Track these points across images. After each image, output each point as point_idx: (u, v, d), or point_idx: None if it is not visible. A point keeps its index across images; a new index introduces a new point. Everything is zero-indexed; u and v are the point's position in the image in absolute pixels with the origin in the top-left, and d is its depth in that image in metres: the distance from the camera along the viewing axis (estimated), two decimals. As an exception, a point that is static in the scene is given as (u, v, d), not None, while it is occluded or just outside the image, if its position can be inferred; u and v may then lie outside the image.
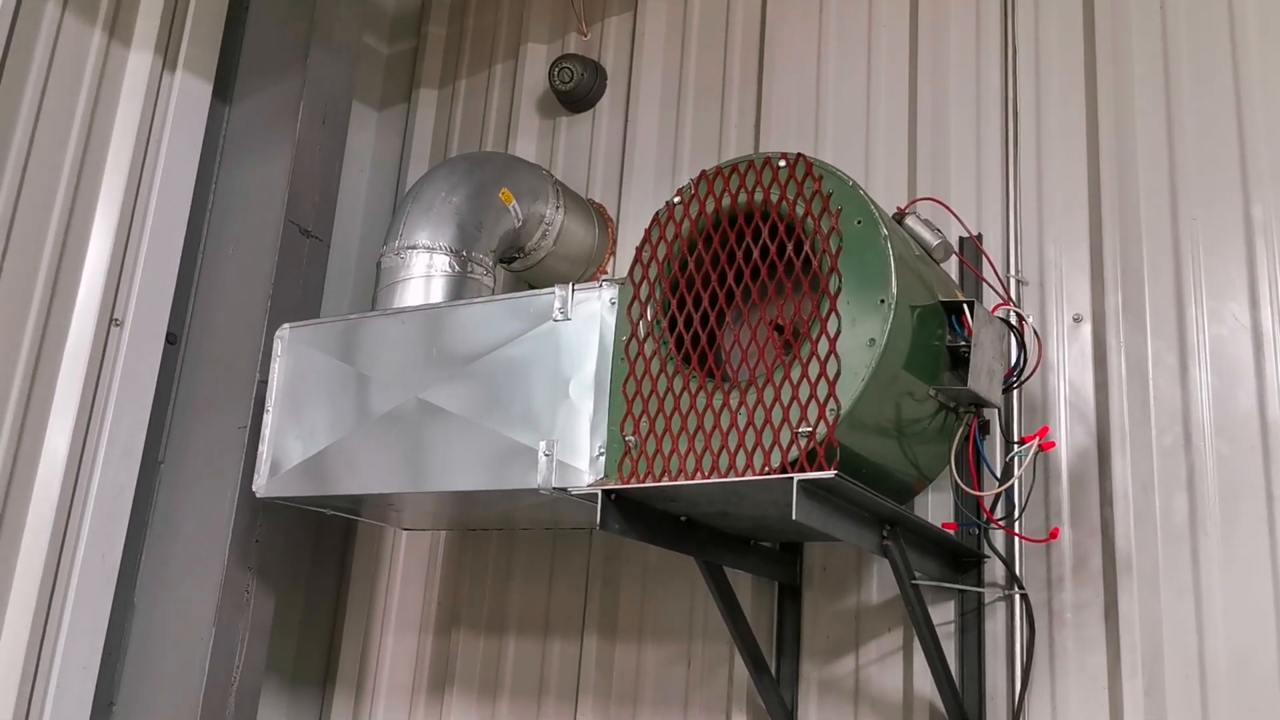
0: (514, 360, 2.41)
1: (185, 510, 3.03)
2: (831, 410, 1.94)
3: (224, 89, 3.37)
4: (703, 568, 2.40)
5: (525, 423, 2.34)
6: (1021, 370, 2.42)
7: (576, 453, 2.26)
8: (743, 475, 2.00)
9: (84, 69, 2.98)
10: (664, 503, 2.21)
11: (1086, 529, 2.44)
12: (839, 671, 2.64)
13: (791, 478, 1.90)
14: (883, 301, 1.99)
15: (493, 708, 3.14)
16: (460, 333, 2.51)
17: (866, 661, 2.62)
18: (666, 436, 2.12)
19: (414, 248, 2.82)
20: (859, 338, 1.99)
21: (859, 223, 2.07)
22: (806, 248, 2.10)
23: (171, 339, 3.17)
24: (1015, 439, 2.51)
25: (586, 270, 3.30)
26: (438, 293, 2.78)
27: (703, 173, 2.28)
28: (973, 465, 2.31)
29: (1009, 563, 2.46)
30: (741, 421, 2.03)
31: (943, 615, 2.50)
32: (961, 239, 2.66)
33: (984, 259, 2.65)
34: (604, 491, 2.13)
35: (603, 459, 2.22)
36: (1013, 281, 2.64)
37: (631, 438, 2.17)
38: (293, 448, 2.67)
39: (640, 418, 2.17)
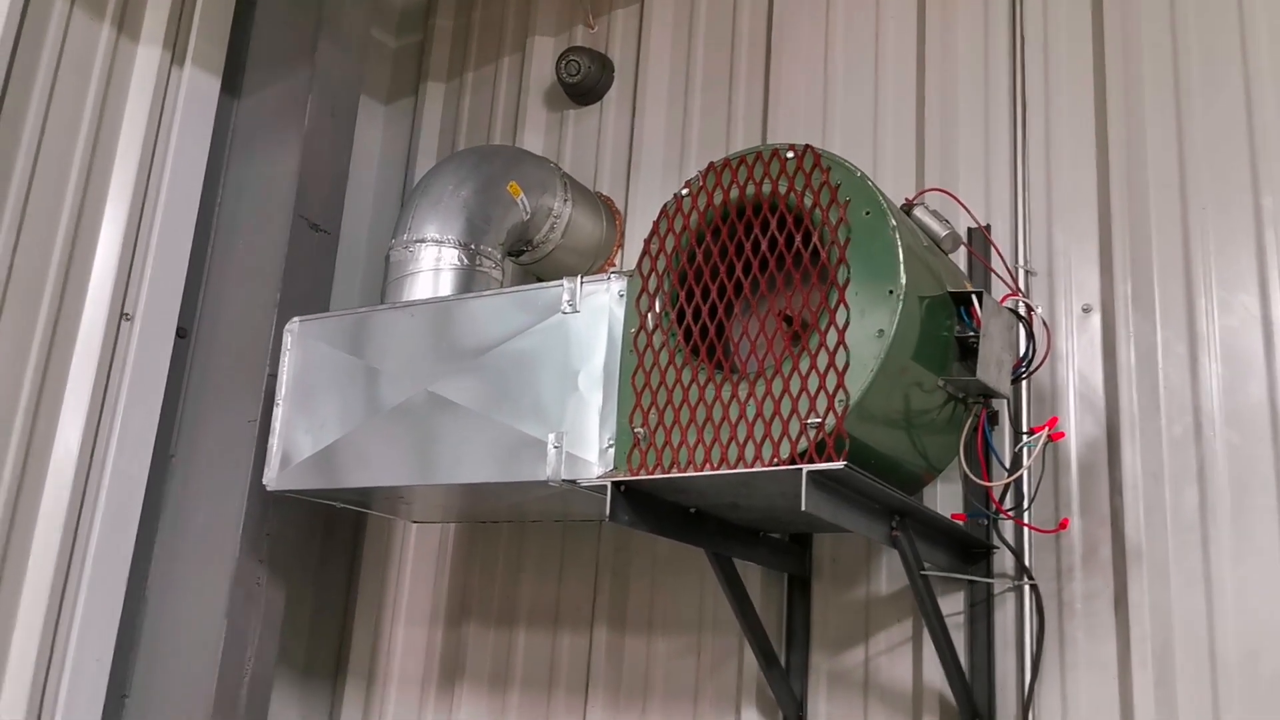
0: (523, 353, 2.41)
1: (196, 504, 3.05)
2: (841, 401, 1.95)
3: (232, 83, 3.38)
4: (712, 559, 2.40)
5: (534, 415, 2.34)
6: (1030, 360, 2.41)
7: (586, 445, 2.27)
8: (752, 467, 2.00)
9: (93, 64, 2.99)
10: (673, 494, 2.22)
11: (1096, 519, 2.43)
12: (849, 663, 2.64)
13: (801, 469, 1.90)
14: (891, 292, 1.99)
15: (503, 699, 3.15)
16: (469, 326, 2.51)
17: (876, 653, 2.62)
18: (675, 428, 2.12)
19: (423, 241, 2.83)
20: (868, 329, 1.98)
21: (867, 214, 2.07)
22: (815, 239, 2.10)
23: (182, 333, 3.18)
24: (1024, 429, 2.51)
25: (594, 263, 3.30)
26: (446, 286, 2.78)
27: (711, 164, 2.27)
28: (982, 456, 2.30)
29: (1018, 553, 2.46)
30: (750, 413, 2.04)
31: (952, 606, 2.50)
32: (970, 229, 2.66)
33: (992, 249, 2.64)
34: (613, 483, 2.13)
35: (612, 451, 2.23)
36: (1021, 272, 2.63)
37: (641, 429, 2.17)
38: (303, 441, 2.68)
39: (649, 410, 2.17)
